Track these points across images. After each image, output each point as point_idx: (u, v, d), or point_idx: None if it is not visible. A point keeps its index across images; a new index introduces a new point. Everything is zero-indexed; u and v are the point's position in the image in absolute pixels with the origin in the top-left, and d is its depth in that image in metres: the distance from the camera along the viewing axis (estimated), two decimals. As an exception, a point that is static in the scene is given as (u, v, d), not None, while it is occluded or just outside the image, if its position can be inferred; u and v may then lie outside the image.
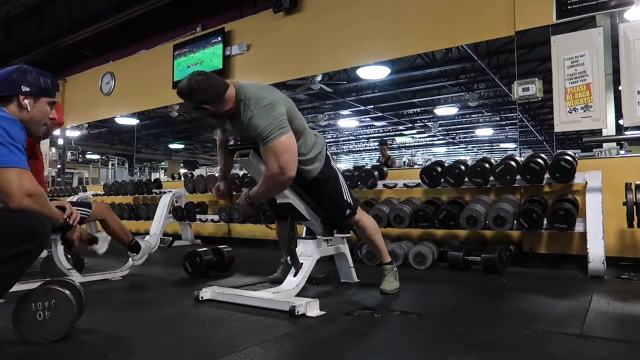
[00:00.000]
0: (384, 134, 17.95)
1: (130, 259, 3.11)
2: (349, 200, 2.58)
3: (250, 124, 2.18)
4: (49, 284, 1.74)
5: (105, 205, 3.06)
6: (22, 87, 1.73)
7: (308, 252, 2.55)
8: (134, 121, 10.42)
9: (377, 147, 18.77)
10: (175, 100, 6.75)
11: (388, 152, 8.91)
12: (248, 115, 2.19)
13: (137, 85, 7.09)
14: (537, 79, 3.85)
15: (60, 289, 1.69)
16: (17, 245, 1.52)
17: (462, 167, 3.86)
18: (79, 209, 2.84)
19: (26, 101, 1.73)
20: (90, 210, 2.86)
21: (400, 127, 16.37)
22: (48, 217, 1.67)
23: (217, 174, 2.75)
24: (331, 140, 18.87)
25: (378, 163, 8.09)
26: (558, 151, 3.74)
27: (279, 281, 2.61)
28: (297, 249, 2.50)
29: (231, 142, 2.44)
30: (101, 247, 2.90)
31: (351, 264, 2.92)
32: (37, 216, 1.61)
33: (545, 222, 3.31)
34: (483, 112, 14.09)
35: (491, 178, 3.69)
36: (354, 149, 21.16)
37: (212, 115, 2.26)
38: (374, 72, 8.03)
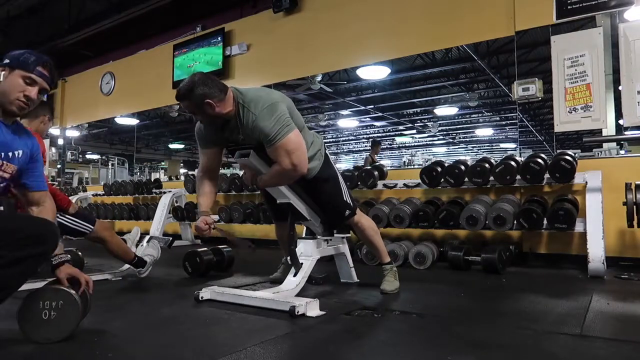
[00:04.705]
0: (384, 134, 17.93)
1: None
2: (348, 201, 2.58)
3: (255, 127, 2.16)
4: (56, 283, 1.74)
5: (107, 225, 3.09)
6: (5, 60, 1.71)
7: (308, 252, 2.55)
8: (134, 121, 10.43)
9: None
10: (175, 100, 6.74)
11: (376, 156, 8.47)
12: (251, 119, 2.17)
13: (137, 85, 7.08)
14: (537, 79, 3.85)
15: (68, 290, 1.69)
16: (26, 248, 1.53)
17: (462, 167, 3.85)
18: (82, 223, 2.85)
19: (2, 73, 1.69)
20: (93, 227, 2.87)
21: (400, 127, 16.37)
22: None
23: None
24: (331, 140, 18.87)
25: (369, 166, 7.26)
26: (558, 151, 3.74)
27: (279, 281, 2.61)
28: (297, 249, 2.50)
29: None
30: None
31: (351, 264, 2.92)
32: (47, 221, 1.61)
33: (545, 222, 3.31)
34: (483, 112, 14.08)
35: (491, 178, 3.69)
36: (354, 149, 21.16)
37: (213, 116, 2.18)
38: (374, 72, 8.03)
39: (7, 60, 1.71)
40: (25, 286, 2.10)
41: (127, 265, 3.14)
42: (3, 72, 1.70)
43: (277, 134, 2.14)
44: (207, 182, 2.39)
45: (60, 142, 9.11)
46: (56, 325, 1.65)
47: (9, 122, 1.74)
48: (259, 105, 2.17)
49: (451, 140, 19.02)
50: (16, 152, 1.73)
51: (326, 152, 2.59)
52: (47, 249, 1.63)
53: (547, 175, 3.45)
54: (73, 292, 1.69)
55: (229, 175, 5.44)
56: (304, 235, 2.88)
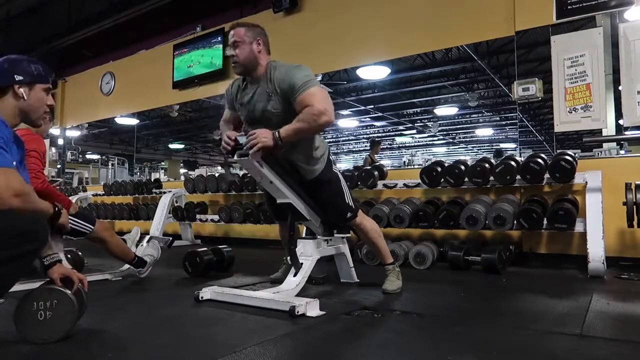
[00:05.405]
0: (384, 134, 17.93)
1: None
2: (350, 203, 2.58)
3: (286, 76, 2.29)
4: (50, 283, 1.74)
5: (107, 225, 3.09)
6: (16, 76, 1.69)
7: (308, 252, 2.55)
8: (134, 121, 10.44)
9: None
10: (175, 100, 6.76)
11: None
12: (283, 70, 2.33)
13: (137, 85, 7.08)
14: (537, 79, 3.85)
15: (62, 289, 1.69)
16: (17, 246, 1.52)
17: (462, 167, 3.85)
18: (82, 223, 2.84)
19: (22, 90, 1.69)
20: (93, 227, 2.87)
21: (400, 127, 16.37)
22: (39, 212, 1.66)
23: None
24: (331, 140, 18.86)
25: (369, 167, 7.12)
26: (558, 151, 3.74)
27: (279, 281, 2.61)
28: (297, 249, 2.50)
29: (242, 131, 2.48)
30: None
31: (351, 264, 2.92)
32: (37, 217, 1.60)
33: (545, 222, 3.31)
34: (483, 112, 14.08)
35: (491, 178, 3.69)
36: (354, 149, 21.17)
37: (249, 58, 2.39)
38: (374, 72, 8.04)
39: (19, 77, 1.70)
40: (24, 287, 2.10)
41: (127, 265, 3.14)
42: (22, 90, 1.70)
43: (309, 81, 2.26)
44: (228, 124, 2.67)
45: (60, 142, 9.11)
46: (52, 325, 1.64)
47: None
48: (291, 66, 2.38)
49: (451, 140, 19.02)
50: (14, 163, 1.75)
51: (329, 157, 2.60)
52: (40, 245, 1.63)
53: (547, 175, 3.44)
54: (68, 291, 1.69)
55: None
56: (304, 235, 2.88)
